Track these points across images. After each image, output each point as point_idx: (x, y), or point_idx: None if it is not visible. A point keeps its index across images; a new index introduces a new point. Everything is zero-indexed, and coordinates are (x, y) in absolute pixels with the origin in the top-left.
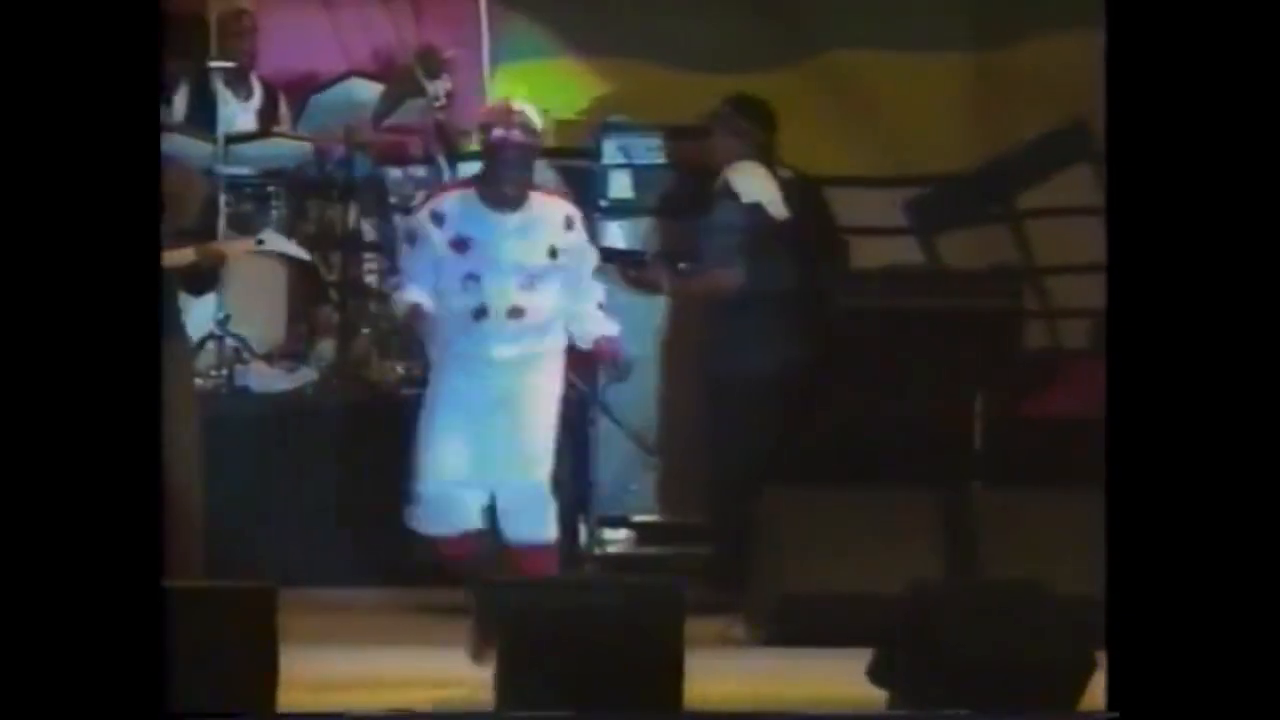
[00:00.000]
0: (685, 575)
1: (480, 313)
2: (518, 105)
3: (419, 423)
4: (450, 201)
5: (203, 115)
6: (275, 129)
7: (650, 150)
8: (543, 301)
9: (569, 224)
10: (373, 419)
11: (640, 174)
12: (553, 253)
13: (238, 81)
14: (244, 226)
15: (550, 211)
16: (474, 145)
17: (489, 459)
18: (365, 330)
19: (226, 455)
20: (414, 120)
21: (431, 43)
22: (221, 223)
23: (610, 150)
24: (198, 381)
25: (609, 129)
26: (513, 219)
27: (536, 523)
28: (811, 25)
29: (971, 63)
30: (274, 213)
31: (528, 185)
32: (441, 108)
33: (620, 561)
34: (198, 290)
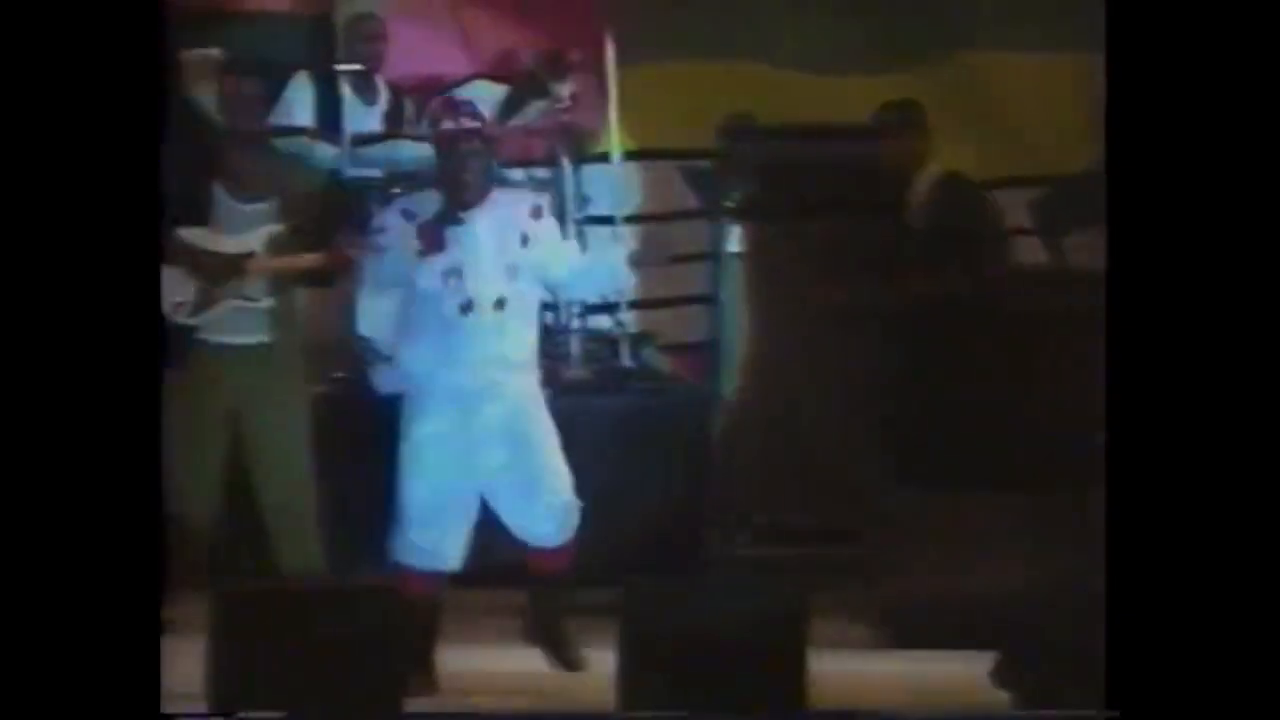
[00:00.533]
0: (809, 576)
1: (466, 307)
2: (461, 97)
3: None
4: (419, 199)
5: (329, 118)
6: (401, 131)
7: (792, 150)
8: (520, 291)
9: (536, 213)
10: None
11: (789, 174)
12: (524, 240)
13: (364, 84)
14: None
15: (515, 201)
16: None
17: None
18: None
19: (352, 456)
20: (537, 122)
21: (556, 45)
22: (348, 226)
23: (746, 151)
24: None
25: (740, 130)
26: (479, 213)
27: (560, 530)
28: (937, 27)
29: (1093, 64)
30: None
31: (486, 180)
32: (565, 110)
33: (744, 563)
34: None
